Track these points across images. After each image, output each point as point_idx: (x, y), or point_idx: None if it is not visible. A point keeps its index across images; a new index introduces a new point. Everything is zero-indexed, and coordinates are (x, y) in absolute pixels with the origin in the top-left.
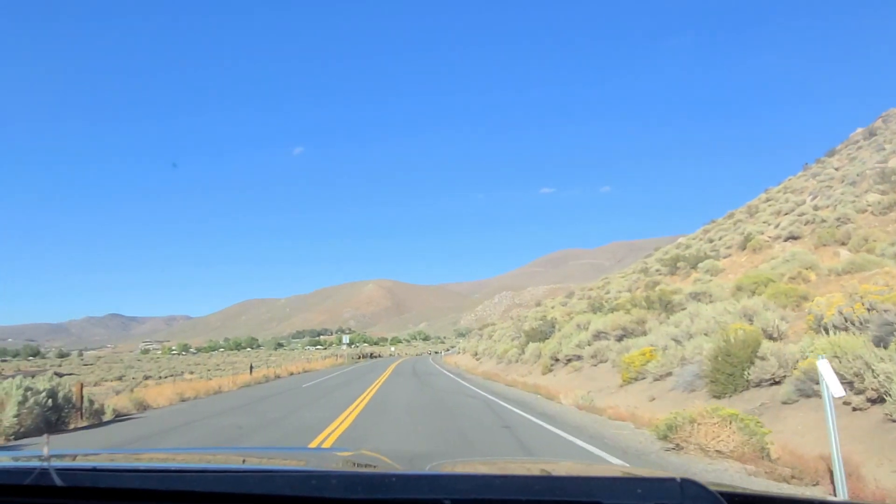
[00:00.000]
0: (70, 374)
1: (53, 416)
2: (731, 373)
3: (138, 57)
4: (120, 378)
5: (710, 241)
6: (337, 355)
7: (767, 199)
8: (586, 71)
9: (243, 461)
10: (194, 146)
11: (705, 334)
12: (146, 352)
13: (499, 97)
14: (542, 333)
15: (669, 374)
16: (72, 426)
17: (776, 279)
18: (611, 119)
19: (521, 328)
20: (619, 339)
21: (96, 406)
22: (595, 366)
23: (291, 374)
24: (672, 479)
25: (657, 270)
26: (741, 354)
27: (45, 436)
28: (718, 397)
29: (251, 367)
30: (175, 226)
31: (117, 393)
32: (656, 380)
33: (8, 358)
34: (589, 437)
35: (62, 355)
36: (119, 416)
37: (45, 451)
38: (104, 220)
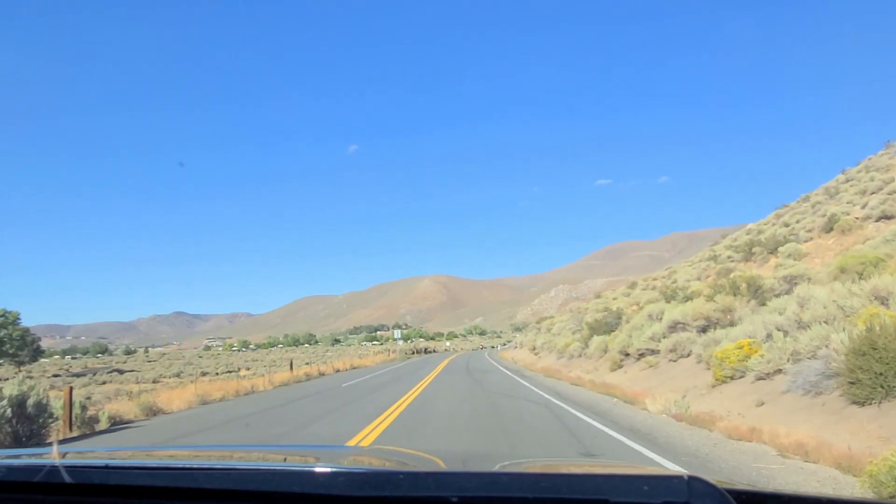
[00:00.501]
0: (132, 371)
1: (25, 429)
2: (880, 372)
3: (200, 50)
4: (178, 374)
5: (786, 225)
6: (390, 351)
7: (847, 180)
8: (643, 56)
9: (254, 458)
10: (253, 145)
11: (824, 322)
12: (208, 348)
13: (553, 86)
14: (607, 325)
15: (779, 371)
16: (52, 438)
17: (884, 258)
18: (668, 106)
19: (584, 320)
20: (702, 330)
21: (91, 413)
22: (674, 361)
23: (337, 371)
24: (679, 477)
25: (728, 257)
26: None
27: (53, 434)
28: (861, 404)
29: (291, 365)
30: (236, 226)
31: (128, 396)
32: (760, 379)
33: (78, 355)
34: (727, 479)
35: (129, 352)
36: (116, 425)
37: (55, 449)
38: (169, 221)
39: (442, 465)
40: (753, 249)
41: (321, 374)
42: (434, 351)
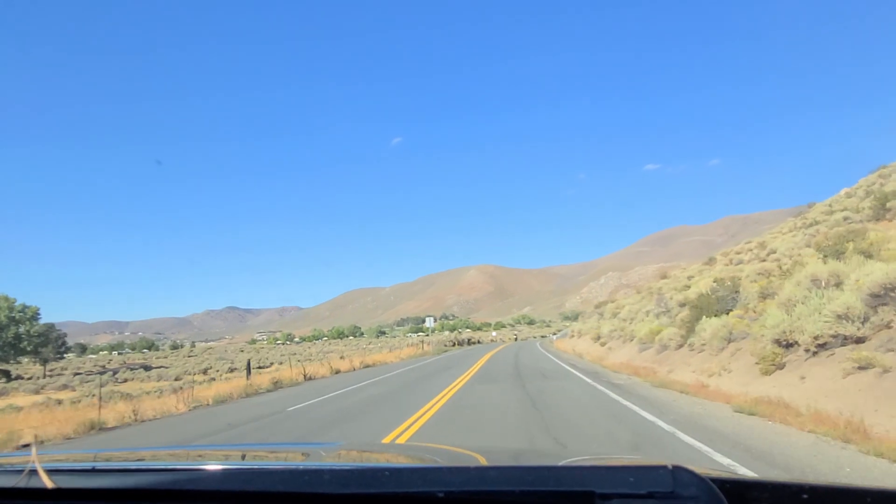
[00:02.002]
0: (159, 368)
1: None
2: None
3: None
4: (205, 371)
5: None
6: (425, 343)
7: None
8: (691, 35)
9: (239, 457)
10: (301, 140)
11: None
12: (254, 342)
13: (599, 69)
14: (719, 303)
15: None
16: None
17: None
18: (718, 86)
19: (672, 299)
20: None
21: None
22: None
23: (336, 372)
24: (664, 467)
25: (845, 219)
26: None
27: (33, 437)
28: None
29: (249, 369)
30: (287, 220)
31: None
32: None
33: (127, 351)
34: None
35: (175, 347)
36: None
37: (34, 453)
38: (220, 218)
39: (481, 460)
40: (888, 204)
41: (308, 379)
42: (478, 342)
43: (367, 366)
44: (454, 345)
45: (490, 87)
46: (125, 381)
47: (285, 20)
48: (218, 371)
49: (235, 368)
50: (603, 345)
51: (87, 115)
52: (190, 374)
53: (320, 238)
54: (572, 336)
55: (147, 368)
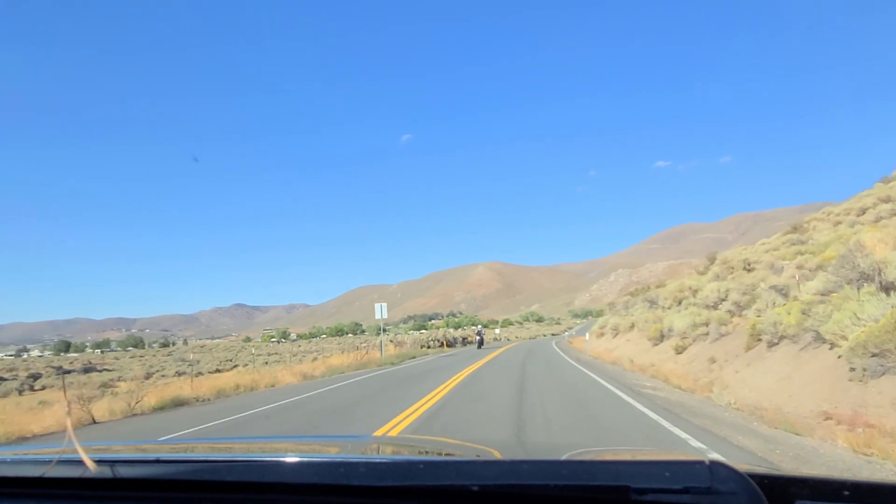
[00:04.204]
0: (103, 371)
1: None
2: None
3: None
4: (148, 375)
5: None
6: (397, 343)
7: None
8: (703, 30)
9: (275, 449)
10: (309, 136)
11: None
12: (248, 340)
13: (609, 65)
14: None
15: None
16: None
17: None
18: (730, 82)
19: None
20: None
21: None
22: None
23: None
24: (701, 462)
25: None
26: None
27: (69, 427)
28: None
29: None
30: (295, 218)
31: None
32: None
33: (115, 348)
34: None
35: (164, 345)
36: None
37: (74, 442)
38: (229, 216)
39: (496, 454)
40: None
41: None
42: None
43: (244, 388)
44: (442, 345)
45: (500, 84)
46: (43, 388)
47: (294, 18)
48: (164, 375)
49: (184, 372)
50: (679, 351)
51: (92, 115)
52: (125, 379)
53: (329, 235)
54: (601, 334)
55: (86, 371)
